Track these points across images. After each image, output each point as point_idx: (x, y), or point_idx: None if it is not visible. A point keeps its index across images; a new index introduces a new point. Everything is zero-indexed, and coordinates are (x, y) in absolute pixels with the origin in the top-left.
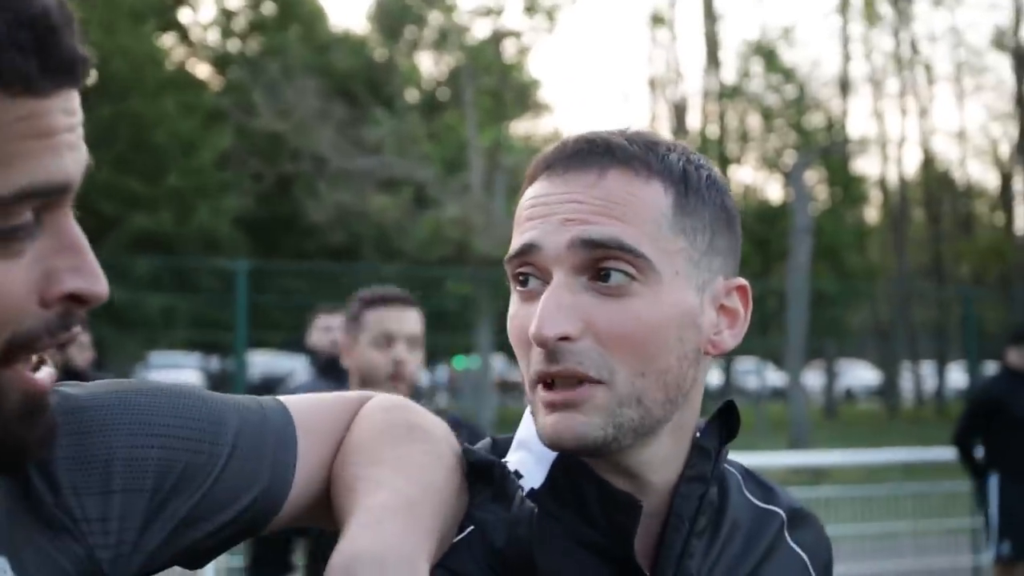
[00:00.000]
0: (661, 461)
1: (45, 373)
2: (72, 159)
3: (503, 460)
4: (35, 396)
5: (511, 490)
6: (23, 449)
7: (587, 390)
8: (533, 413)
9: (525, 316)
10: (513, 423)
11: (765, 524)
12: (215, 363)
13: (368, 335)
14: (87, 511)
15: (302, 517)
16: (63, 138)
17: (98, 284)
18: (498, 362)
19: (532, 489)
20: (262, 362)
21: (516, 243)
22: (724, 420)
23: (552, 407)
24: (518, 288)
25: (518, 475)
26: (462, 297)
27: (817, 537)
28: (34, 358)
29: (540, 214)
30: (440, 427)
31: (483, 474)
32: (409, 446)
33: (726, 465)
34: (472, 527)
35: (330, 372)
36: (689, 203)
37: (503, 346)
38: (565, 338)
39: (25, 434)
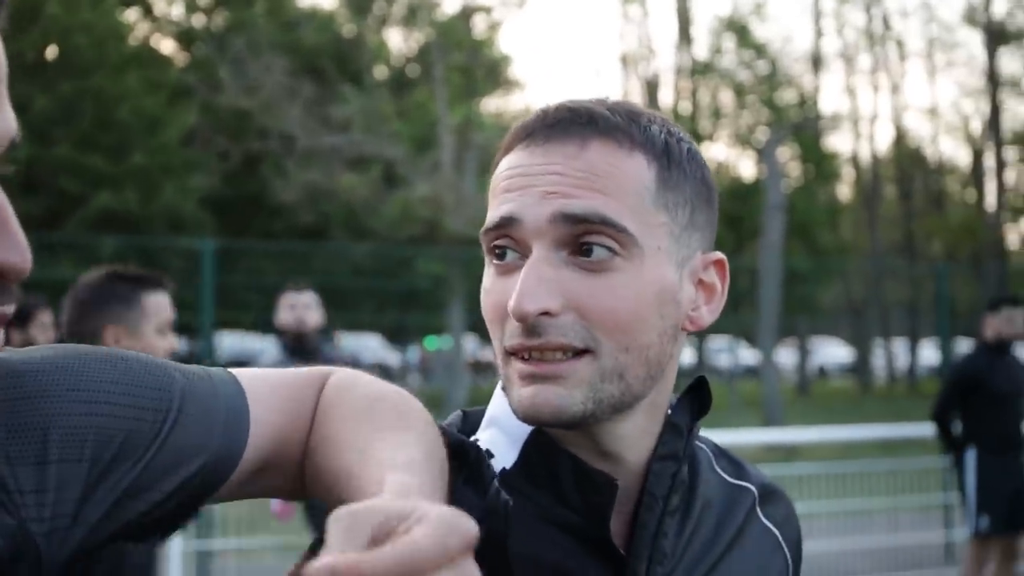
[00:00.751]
0: (635, 438)
1: None
2: None
3: (474, 438)
4: None
5: (486, 475)
6: None
7: (572, 363)
8: (506, 387)
9: (502, 290)
10: (486, 403)
11: (737, 500)
12: (183, 344)
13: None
14: (20, 482)
15: (251, 486)
16: None
17: (15, 255)
18: (470, 342)
19: (504, 469)
20: (231, 343)
21: (493, 215)
22: (695, 396)
23: (531, 379)
24: (494, 261)
25: (489, 454)
26: (433, 277)
27: (787, 512)
28: None
29: (519, 185)
30: (419, 407)
31: (456, 455)
32: (397, 412)
33: (697, 442)
34: None
35: (298, 351)
36: (671, 177)
37: (475, 326)
38: (546, 313)
39: None
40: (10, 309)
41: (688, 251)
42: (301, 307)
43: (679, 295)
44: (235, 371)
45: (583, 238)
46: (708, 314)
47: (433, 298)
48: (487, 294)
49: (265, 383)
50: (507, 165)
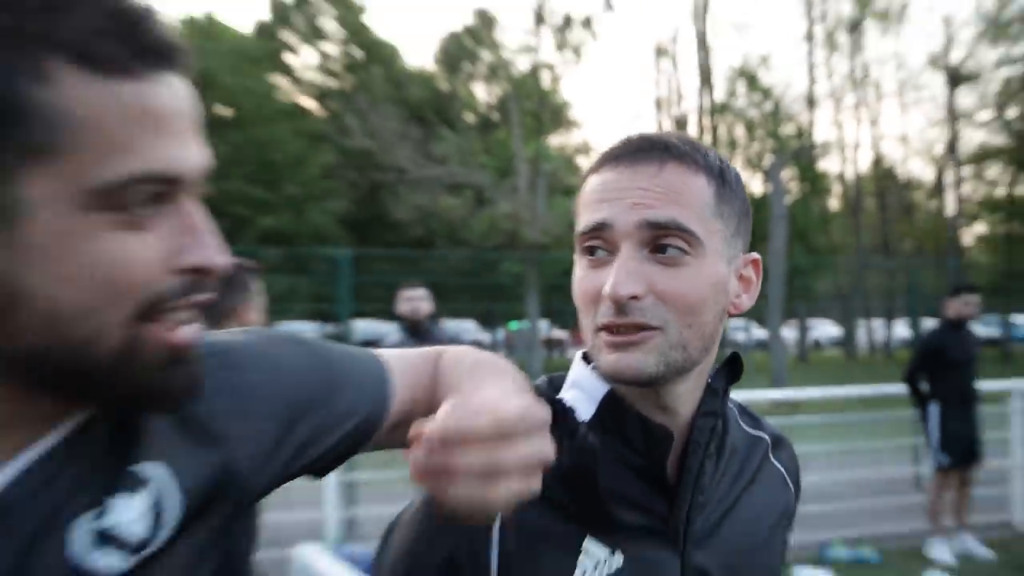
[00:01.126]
0: (686, 396)
1: (189, 330)
2: (184, 148)
3: (559, 396)
4: (174, 350)
5: (573, 424)
6: (167, 394)
7: (647, 335)
8: (594, 355)
9: (594, 279)
10: (556, 372)
11: (755, 447)
12: (328, 328)
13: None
14: (230, 429)
15: (391, 439)
16: (172, 125)
17: (214, 257)
18: (543, 324)
19: (584, 421)
20: (362, 327)
21: (589, 220)
22: (730, 367)
23: (616, 347)
24: (587, 257)
25: (571, 409)
26: (514, 275)
27: (791, 456)
28: (177, 317)
29: (611, 197)
30: (510, 365)
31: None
32: (493, 374)
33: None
34: None
35: (415, 333)
36: (725, 194)
37: (547, 312)
38: (634, 297)
39: (168, 382)
40: (208, 299)
41: (734, 252)
42: (416, 299)
43: (727, 286)
44: (379, 351)
45: (661, 240)
46: (747, 301)
47: (514, 291)
48: (580, 282)
49: (400, 360)
50: (598, 181)
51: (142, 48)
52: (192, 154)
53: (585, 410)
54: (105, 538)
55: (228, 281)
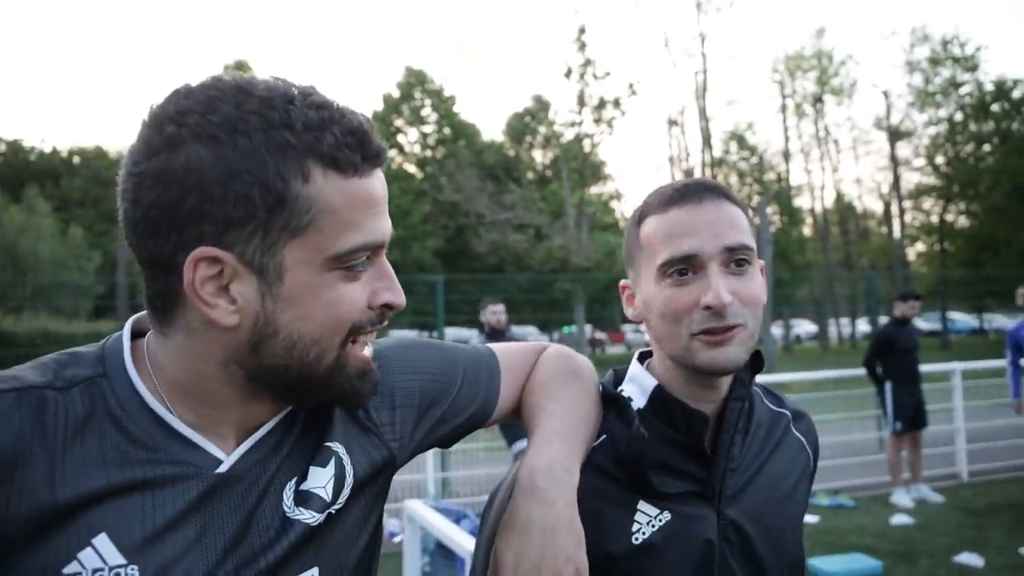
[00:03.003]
0: (726, 379)
1: (369, 350)
2: (386, 223)
3: (620, 389)
4: (366, 363)
5: (630, 415)
6: (360, 396)
7: (736, 331)
8: (690, 354)
9: (685, 295)
10: (600, 365)
11: (777, 422)
12: (426, 334)
13: None
14: (382, 419)
15: (503, 419)
16: (381, 207)
17: (400, 297)
18: (588, 328)
19: (638, 408)
20: (451, 334)
21: (679, 250)
22: (753, 361)
23: (715, 345)
24: (676, 278)
25: (629, 400)
26: (565, 292)
27: (809, 426)
28: (368, 340)
29: (693, 230)
30: (590, 369)
31: (613, 402)
32: (571, 385)
33: (753, 386)
34: (604, 436)
35: (494, 337)
36: (751, 223)
37: (591, 319)
38: (728, 304)
39: (362, 387)
40: (385, 325)
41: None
42: (499, 312)
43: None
44: (494, 346)
45: (735, 257)
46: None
47: (565, 304)
48: (671, 299)
49: (509, 356)
50: (670, 219)
51: (369, 154)
52: (388, 226)
53: (638, 400)
54: (304, 497)
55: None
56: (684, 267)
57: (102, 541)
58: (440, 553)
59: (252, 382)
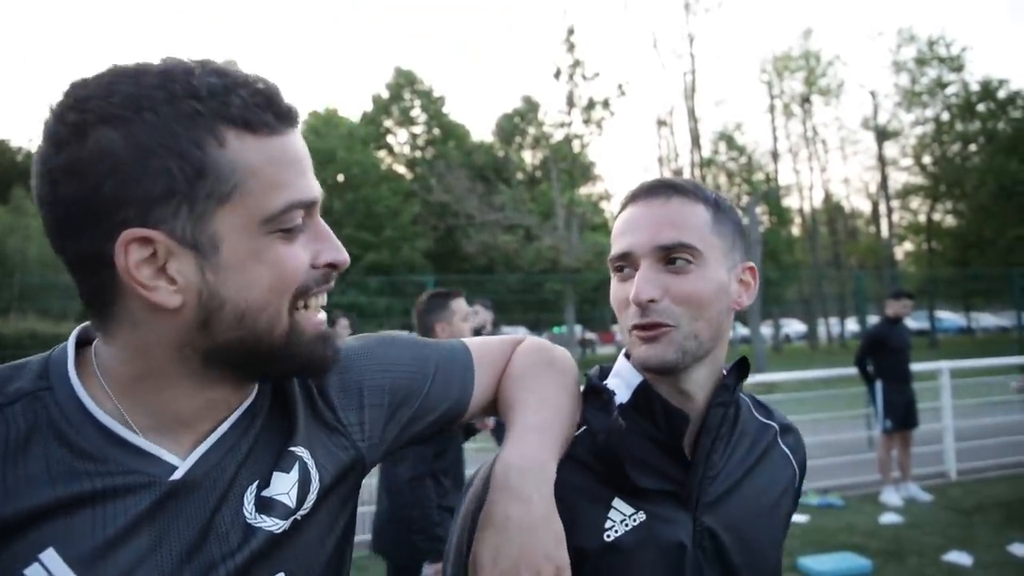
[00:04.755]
0: (701, 384)
1: (321, 315)
2: (312, 181)
3: (605, 382)
4: (321, 326)
5: (611, 407)
6: (323, 361)
7: (665, 331)
8: (630, 349)
9: (623, 290)
10: (589, 366)
11: (764, 433)
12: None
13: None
14: (350, 419)
15: (478, 415)
16: (304, 165)
17: (342, 255)
18: (578, 329)
19: (621, 403)
20: None
21: (617, 248)
22: (739, 367)
23: (644, 341)
24: (618, 274)
25: (613, 393)
26: (555, 292)
27: (797, 440)
28: (318, 303)
29: (631, 228)
30: (568, 361)
31: (596, 393)
32: (547, 377)
33: (741, 394)
34: (584, 427)
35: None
36: (720, 218)
37: (581, 319)
38: (652, 300)
39: (323, 351)
40: (332, 286)
41: (733, 261)
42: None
43: (729, 288)
44: (467, 340)
45: (671, 255)
46: (747, 299)
47: (556, 304)
48: (614, 294)
49: (484, 348)
50: (623, 216)
51: (280, 113)
52: (316, 184)
53: (623, 395)
54: (267, 504)
55: (432, 302)
56: (623, 264)
57: (50, 556)
58: None
59: (209, 364)
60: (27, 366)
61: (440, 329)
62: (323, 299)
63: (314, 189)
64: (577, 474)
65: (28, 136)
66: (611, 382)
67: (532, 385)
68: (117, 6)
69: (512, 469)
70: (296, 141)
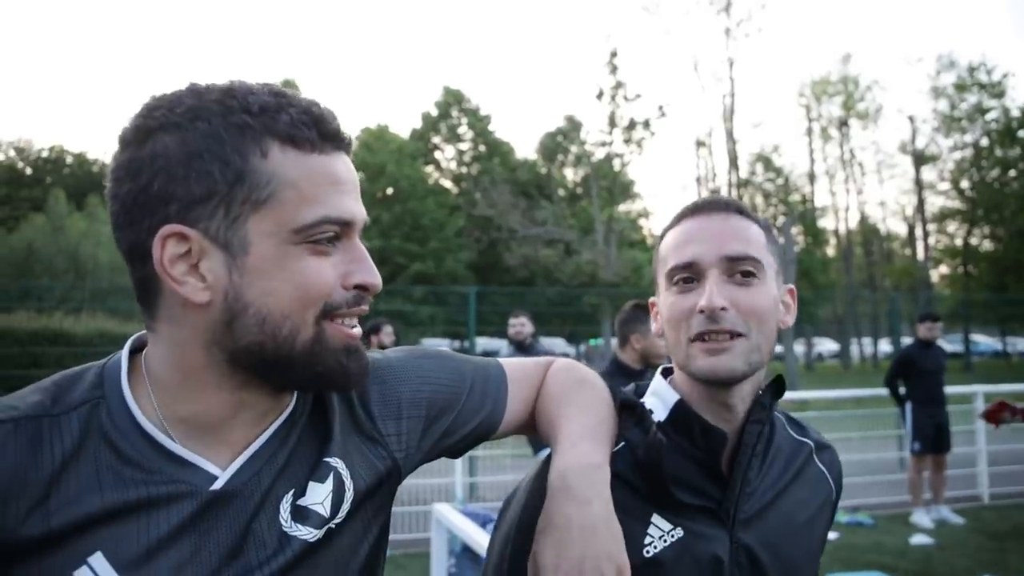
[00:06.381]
0: (745, 398)
1: (355, 330)
2: (352, 203)
3: (641, 400)
4: (351, 340)
5: (648, 422)
6: (348, 375)
7: (736, 340)
8: (686, 361)
9: (685, 300)
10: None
11: (799, 450)
12: (456, 343)
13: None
14: (388, 429)
15: (510, 432)
16: (345, 187)
17: (374, 277)
18: (614, 342)
19: (658, 421)
20: (483, 343)
21: (681, 258)
22: (776, 385)
23: (711, 352)
24: (681, 284)
25: (650, 412)
26: (593, 305)
27: (832, 458)
28: (349, 321)
29: (696, 239)
30: (598, 379)
31: (630, 409)
32: (584, 392)
33: (776, 412)
34: (623, 443)
35: (520, 349)
36: (771, 240)
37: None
38: (723, 308)
39: (349, 365)
40: (366, 310)
41: (779, 282)
42: (516, 324)
43: (779, 305)
44: (500, 360)
45: (737, 267)
46: (790, 319)
47: (593, 317)
48: (674, 304)
49: (517, 369)
50: (684, 227)
51: (326, 134)
52: (357, 207)
53: (659, 413)
54: (302, 514)
55: (633, 313)
56: (687, 274)
57: (98, 560)
58: (466, 555)
59: (235, 366)
60: (85, 375)
61: (635, 340)
62: (356, 320)
63: (351, 210)
64: (617, 490)
65: (104, 148)
66: (647, 401)
67: (572, 399)
68: (187, 29)
69: (569, 472)
70: (341, 163)
